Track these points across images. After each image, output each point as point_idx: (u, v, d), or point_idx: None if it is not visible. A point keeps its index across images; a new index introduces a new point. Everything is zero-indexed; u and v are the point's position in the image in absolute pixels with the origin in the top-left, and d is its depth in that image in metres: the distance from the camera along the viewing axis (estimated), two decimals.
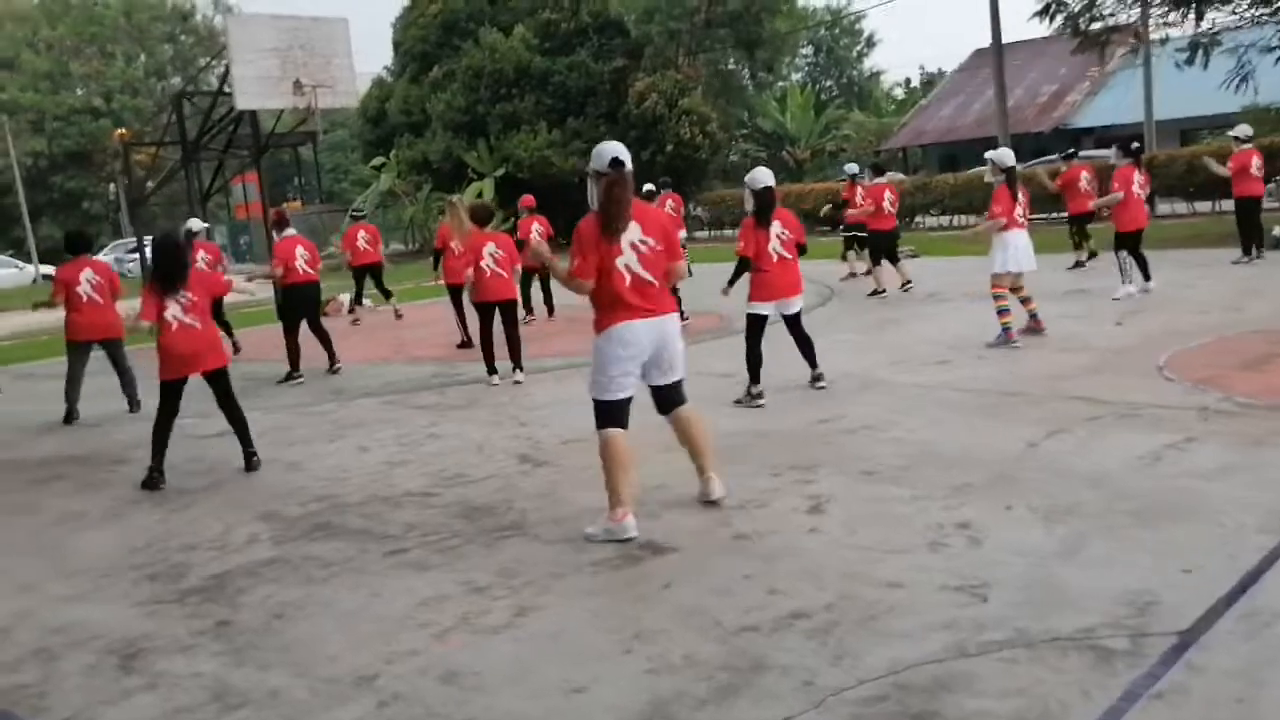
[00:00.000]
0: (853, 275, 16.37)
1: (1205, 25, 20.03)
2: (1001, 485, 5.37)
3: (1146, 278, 11.71)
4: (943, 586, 4.14)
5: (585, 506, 5.56)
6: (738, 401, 7.88)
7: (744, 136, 46.54)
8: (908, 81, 58.34)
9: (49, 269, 39.44)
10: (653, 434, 5.76)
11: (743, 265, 7.91)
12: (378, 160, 35.00)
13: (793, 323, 8.18)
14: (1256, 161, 13.67)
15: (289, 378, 10.75)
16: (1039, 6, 21.05)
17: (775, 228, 7.80)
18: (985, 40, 27.61)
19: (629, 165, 5.13)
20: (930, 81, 55.60)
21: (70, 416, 9.62)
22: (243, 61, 14.96)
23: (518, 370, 9.69)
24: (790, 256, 7.89)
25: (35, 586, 5.13)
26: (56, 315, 10.15)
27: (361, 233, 15.91)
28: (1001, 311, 9.28)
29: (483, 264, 9.48)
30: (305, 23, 15.58)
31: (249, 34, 15.13)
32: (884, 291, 13.89)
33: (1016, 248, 9.35)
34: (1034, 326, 9.56)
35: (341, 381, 10.64)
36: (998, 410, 7.03)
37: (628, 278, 5.07)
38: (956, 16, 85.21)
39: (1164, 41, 20.98)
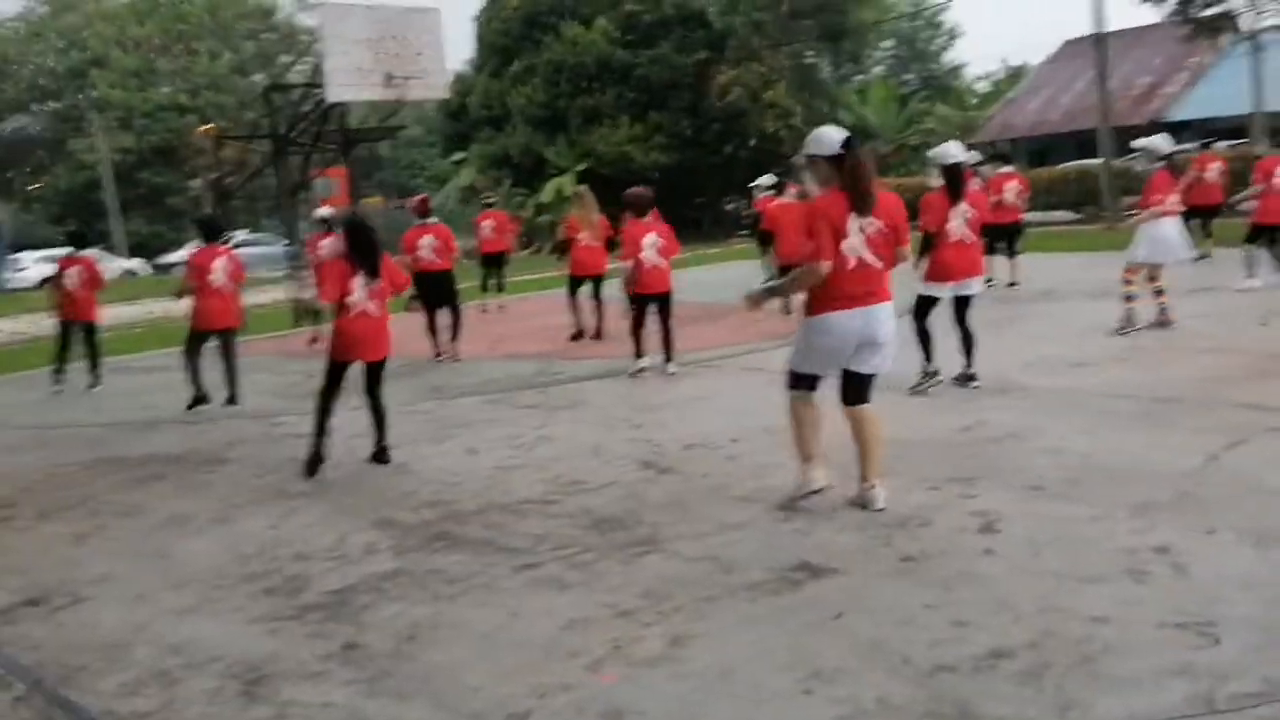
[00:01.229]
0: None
1: None
2: (1191, 504, 4.84)
3: None
4: (1160, 624, 3.63)
5: (721, 521, 5.18)
6: (915, 388, 7.64)
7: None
8: (990, 74, 56.89)
9: (132, 263, 40.13)
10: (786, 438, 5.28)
11: (927, 242, 7.65)
12: (458, 155, 35.00)
13: (962, 307, 7.83)
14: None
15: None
16: None
17: (962, 206, 7.57)
18: (1073, 31, 26.73)
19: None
20: (1016, 75, 54.22)
21: (202, 399, 9.51)
22: (335, 52, 14.80)
23: (670, 363, 9.44)
24: (974, 238, 7.72)
25: (149, 597, 4.84)
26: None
27: (488, 221, 15.87)
28: (1129, 298, 9.16)
29: (642, 255, 9.15)
30: (397, 13, 15.38)
31: (342, 24, 14.95)
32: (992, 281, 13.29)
33: (1168, 238, 8.96)
34: (1163, 320, 9.16)
35: (440, 378, 10.34)
36: (1157, 418, 6.46)
37: (852, 261, 5.00)
38: (1041, 8, 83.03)
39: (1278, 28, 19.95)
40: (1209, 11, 20.02)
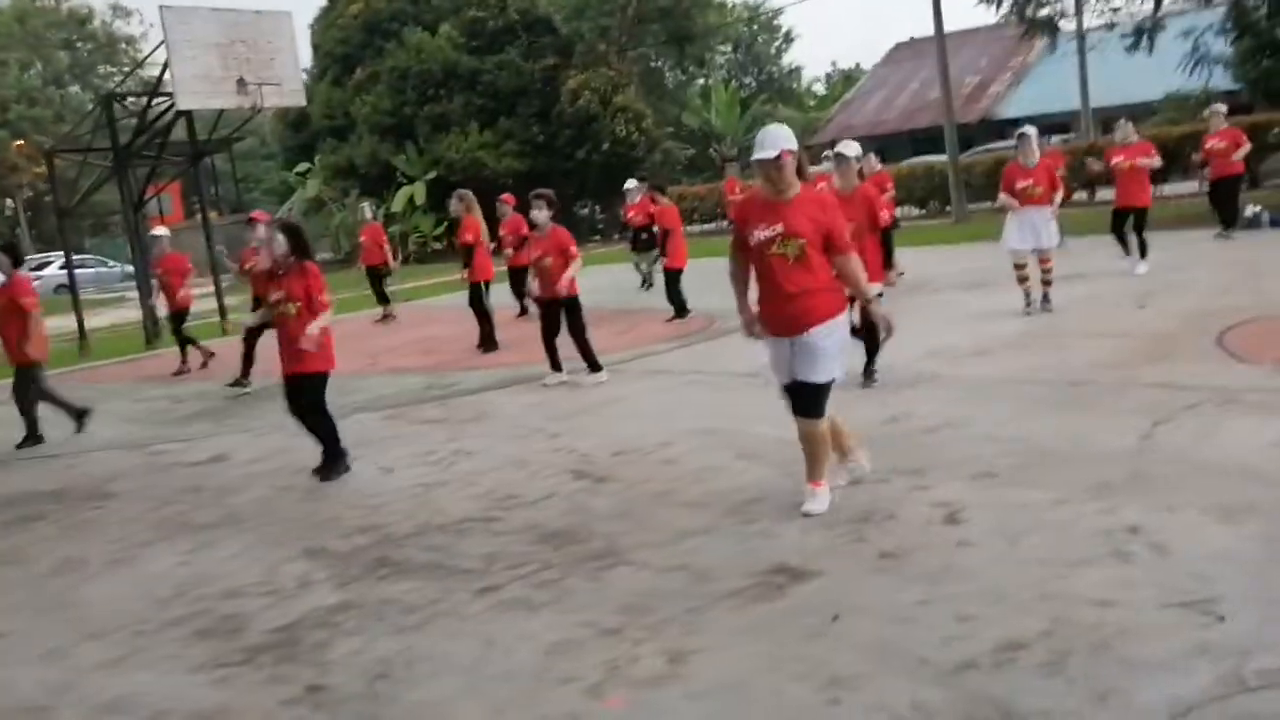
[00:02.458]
0: None
1: (1150, 9, 20.05)
2: (1145, 484, 4.90)
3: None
4: (1164, 604, 3.63)
5: (678, 528, 5.00)
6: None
7: (669, 135, 46.11)
8: (828, 77, 58.55)
9: None
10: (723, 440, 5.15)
11: None
12: (302, 166, 33.81)
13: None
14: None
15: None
16: None
17: None
18: (902, 34, 27.62)
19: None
20: (848, 77, 55.90)
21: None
22: (182, 58, 14.00)
23: (596, 371, 9.04)
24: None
25: (63, 652, 4.35)
26: None
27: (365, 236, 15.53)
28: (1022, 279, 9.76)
29: (547, 260, 8.79)
30: (247, 16, 14.67)
31: (187, 27, 14.14)
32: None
33: (1027, 227, 9.73)
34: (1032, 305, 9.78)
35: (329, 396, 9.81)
36: (1077, 402, 6.59)
37: None
38: (868, 12, 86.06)
39: (1111, 27, 21.01)
40: (1043, 11, 20.83)
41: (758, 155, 4.78)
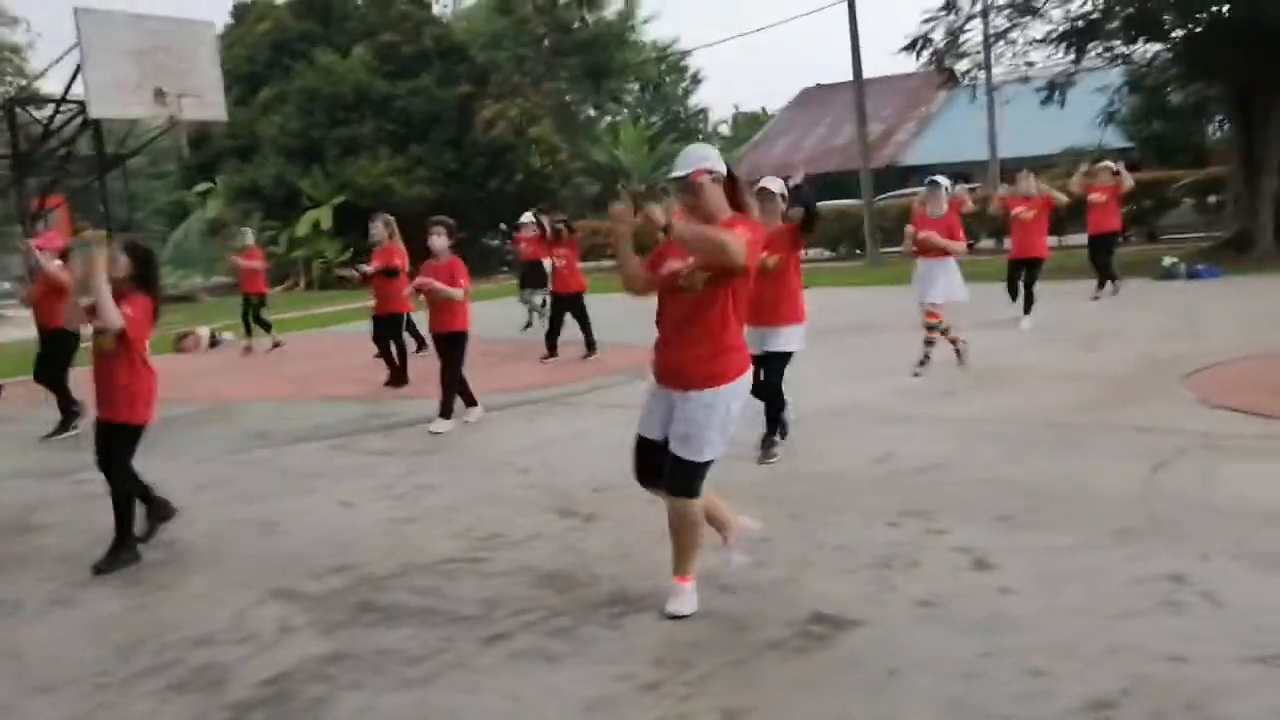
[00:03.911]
0: None
1: (1060, 65, 20.66)
2: (1167, 529, 4.79)
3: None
4: (1241, 659, 3.46)
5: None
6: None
7: (577, 170, 45.97)
8: (735, 119, 59.26)
9: None
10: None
11: None
12: (202, 186, 32.65)
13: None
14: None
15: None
16: (906, 42, 21.34)
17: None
18: (806, 80, 27.89)
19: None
20: (752, 120, 56.64)
21: None
22: (96, 64, 13.30)
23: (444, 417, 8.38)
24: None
25: (13, 709, 3.82)
26: None
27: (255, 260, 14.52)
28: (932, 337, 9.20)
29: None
30: (168, 24, 14.03)
31: (103, 32, 13.43)
32: None
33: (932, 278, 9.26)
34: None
35: (255, 423, 9.27)
36: (1062, 443, 6.51)
37: None
38: (772, 58, 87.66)
39: (1025, 80, 21.58)
40: (963, 63, 21.33)
41: (672, 175, 4.20)
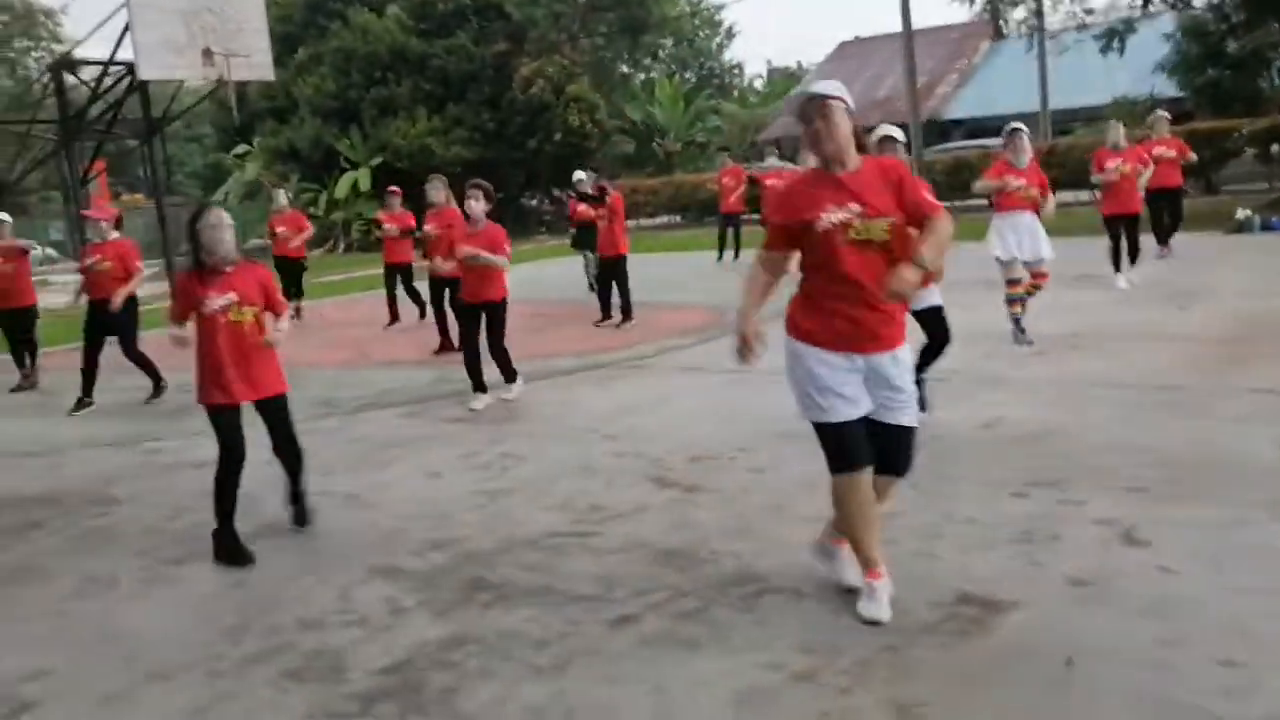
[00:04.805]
0: None
1: (1124, 13, 20.04)
2: None
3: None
4: None
5: (802, 539, 4.40)
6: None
7: (615, 128, 45.39)
8: (770, 73, 58.36)
9: None
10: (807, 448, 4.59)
11: None
12: (240, 149, 32.48)
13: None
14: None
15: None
16: None
17: None
18: (839, 34, 27.08)
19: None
20: (792, 75, 55.69)
21: None
22: (144, 24, 13.03)
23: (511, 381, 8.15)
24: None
25: (125, 697, 3.63)
26: None
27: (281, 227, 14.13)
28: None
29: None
30: None
31: None
32: None
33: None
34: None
35: (321, 390, 9.06)
36: (1178, 407, 6.19)
37: None
38: (805, 12, 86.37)
39: (1083, 28, 20.96)
40: (1018, 11, 20.73)
41: (810, 91, 3.76)
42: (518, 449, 6.52)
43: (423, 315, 13.03)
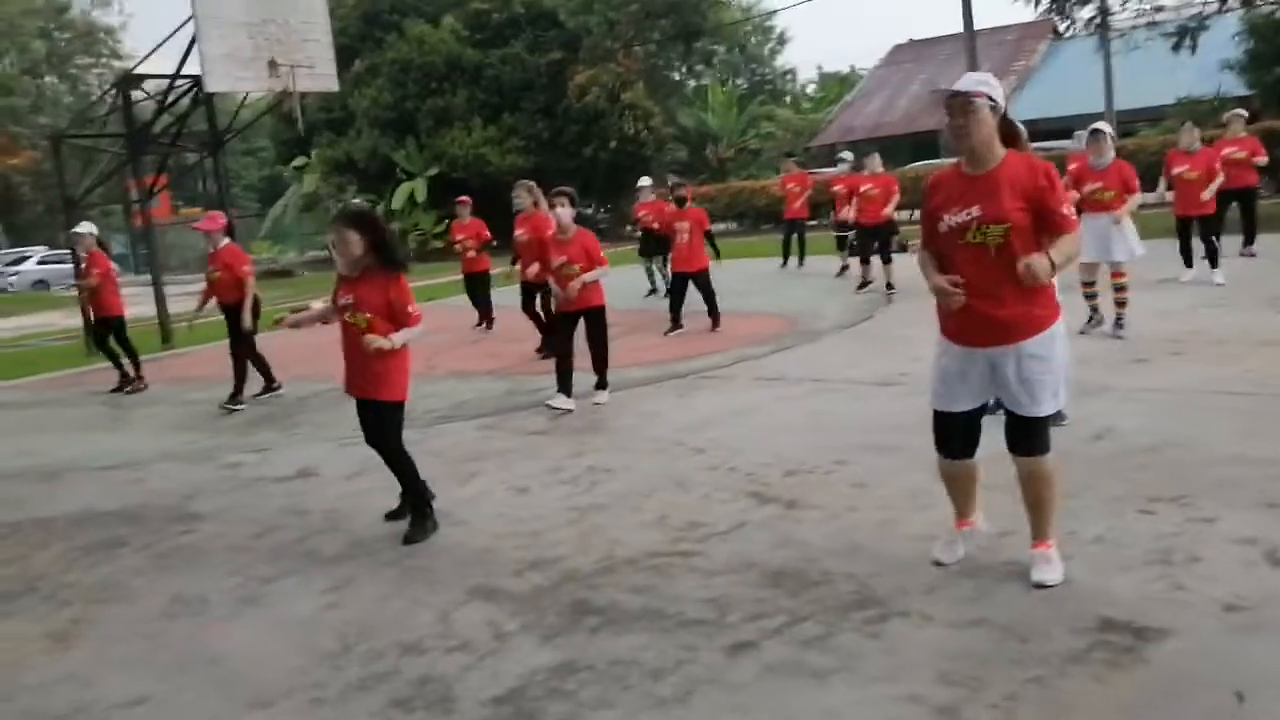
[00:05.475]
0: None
1: (1196, 10, 19.53)
2: None
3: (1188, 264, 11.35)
4: None
5: (931, 569, 4.19)
6: None
7: (670, 136, 45.23)
8: (822, 78, 57.93)
9: None
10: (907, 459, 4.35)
11: None
12: (299, 161, 32.77)
13: None
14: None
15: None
16: None
17: None
18: (896, 37, 26.75)
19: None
20: (842, 80, 55.18)
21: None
22: (211, 36, 13.08)
23: (603, 388, 8.20)
24: None
25: None
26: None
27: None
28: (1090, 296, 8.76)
29: (575, 267, 7.93)
30: None
31: (216, 4, 13.21)
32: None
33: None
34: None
35: None
36: None
37: None
38: (851, 17, 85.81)
39: (1153, 25, 20.46)
40: (1086, 10, 20.27)
41: (952, 89, 3.71)
42: (604, 462, 6.34)
43: (489, 325, 13.01)
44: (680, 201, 11.72)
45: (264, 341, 9.83)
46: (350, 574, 4.84)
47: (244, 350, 9.49)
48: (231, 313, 9.43)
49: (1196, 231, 11.22)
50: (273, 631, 4.28)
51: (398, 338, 5.16)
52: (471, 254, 12.95)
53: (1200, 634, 3.46)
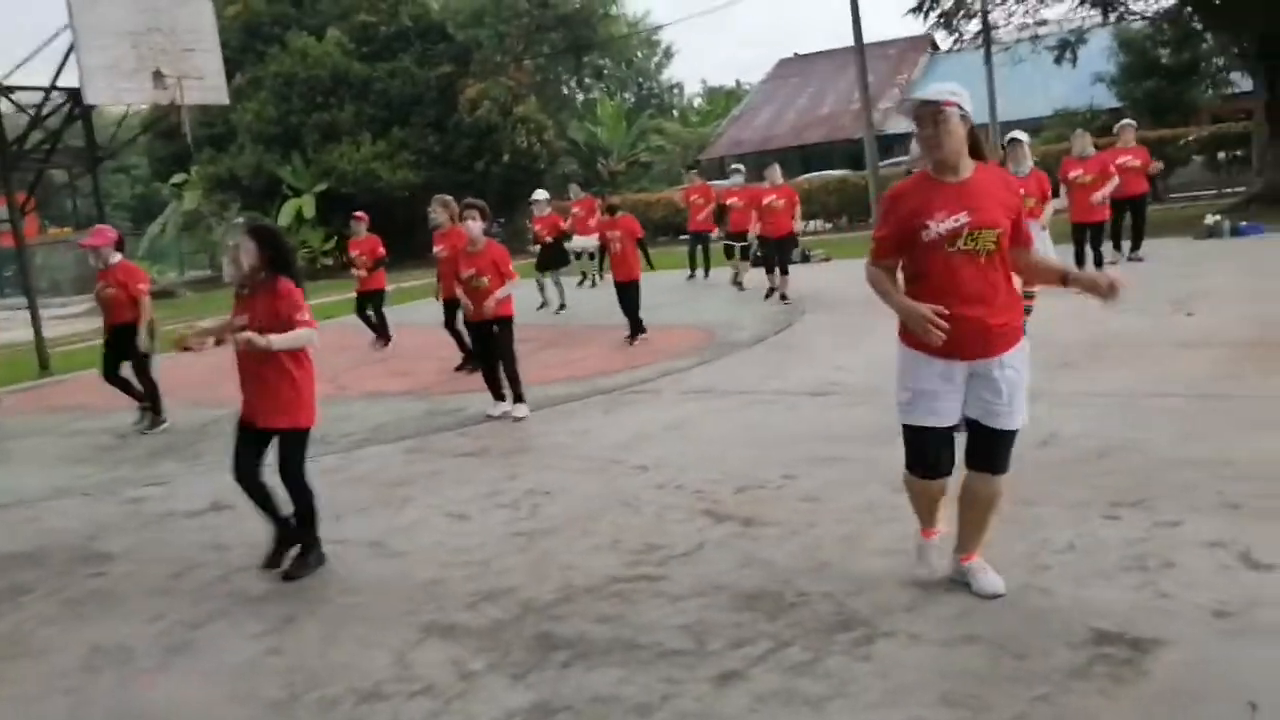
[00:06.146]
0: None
1: (1076, 24, 20.23)
2: None
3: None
4: None
5: (908, 586, 4.08)
6: None
7: (562, 149, 45.01)
8: (709, 92, 58.42)
9: None
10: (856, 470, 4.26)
11: None
12: (178, 177, 31.55)
13: None
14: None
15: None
16: (914, 4, 20.81)
17: None
18: (783, 52, 27.00)
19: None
20: (732, 94, 55.71)
21: None
22: (90, 46, 12.41)
23: (520, 402, 8.05)
24: None
25: None
26: None
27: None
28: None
29: (484, 280, 7.78)
30: (164, 2, 13.12)
31: (95, 12, 12.54)
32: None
33: None
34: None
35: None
36: (1238, 417, 5.94)
37: None
38: (738, 32, 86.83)
39: (1036, 39, 21.10)
40: (972, 24, 20.81)
41: (919, 97, 3.62)
42: (542, 483, 6.09)
43: (386, 343, 12.64)
44: (611, 210, 11.68)
45: (158, 366, 9.30)
46: (286, 614, 4.49)
47: (138, 375, 8.95)
48: (123, 334, 8.83)
49: (1089, 239, 11.59)
50: (209, 682, 3.92)
51: (277, 340, 4.75)
52: (363, 271, 12.55)
53: (1196, 643, 3.40)
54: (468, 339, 9.98)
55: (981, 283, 3.61)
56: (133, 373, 8.94)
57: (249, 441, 4.95)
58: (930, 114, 3.56)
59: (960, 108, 3.57)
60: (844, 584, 4.16)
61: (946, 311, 3.54)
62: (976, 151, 3.70)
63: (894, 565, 4.28)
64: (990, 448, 3.82)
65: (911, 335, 3.72)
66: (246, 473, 4.92)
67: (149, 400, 9.00)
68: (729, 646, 3.72)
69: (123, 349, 8.85)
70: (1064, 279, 3.96)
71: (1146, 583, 3.88)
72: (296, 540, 4.99)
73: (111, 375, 9.06)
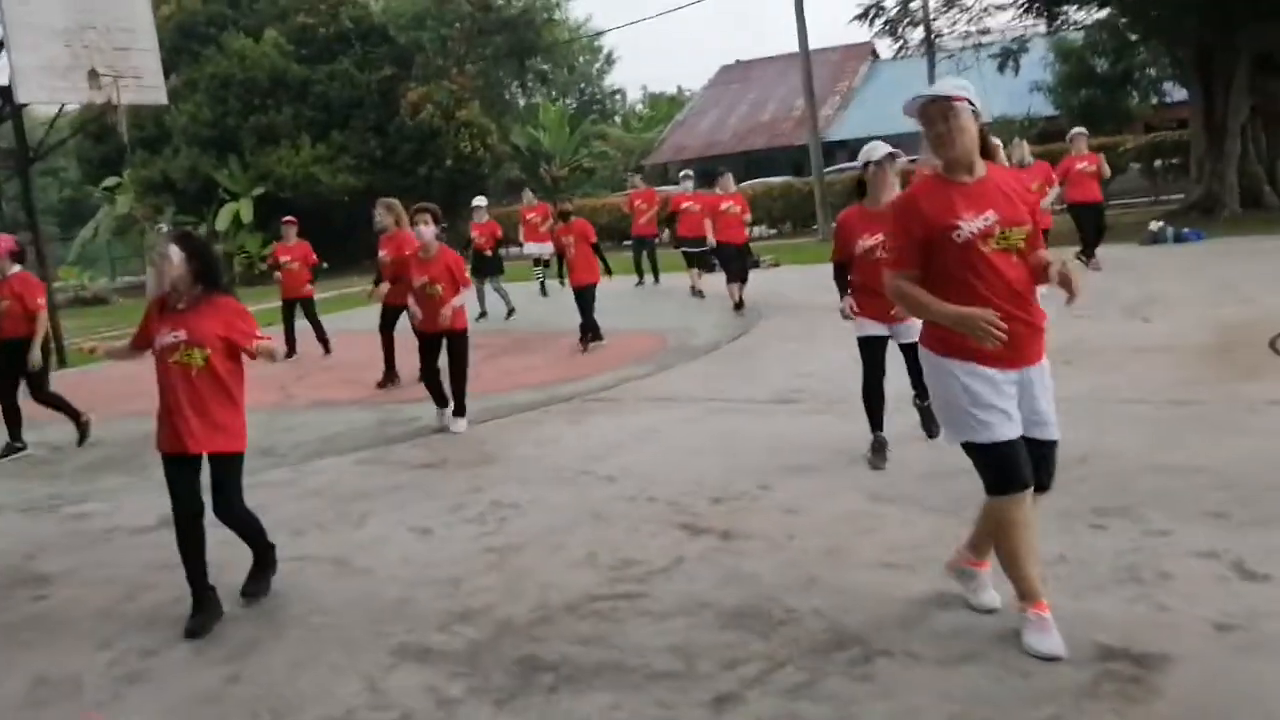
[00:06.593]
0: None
1: (1019, 33, 20.48)
2: None
3: None
4: None
5: (900, 601, 3.97)
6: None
7: (506, 154, 44.64)
8: (651, 99, 58.41)
9: None
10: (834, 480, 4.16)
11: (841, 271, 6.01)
12: (110, 181, 30.71)
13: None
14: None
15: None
16: (859, 10, 20.94)
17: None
18: (725, 58, 27.06)
19: None
20: (674, 99, 55.76)
21: None
22: (22, 45, 11.94)
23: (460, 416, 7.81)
24: None
25: None
26: None
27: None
28: None
29: (437, 287, 7.55)
30: (99, 0, 12.69)
31: (29, 10, 12.08)
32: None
33: None
34: None
35: (256, 437, 8.21)
36: (1207, 423, 5.94)
37: None
38: (679, 36, 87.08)
39: (979, 47, 21.32)
40: (916, 32, 20.98)
41: (929, 93, 3.45)
42: (507, 496, 5.90)
43: (328, 351, 12.35)
44: (564, 216, 11.53)
45: (81, 377, 8.90)
46: (248, 638, 4.26)
47: (36, 393, 8.45)
48: (16, 349, 8.16)
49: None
50: (167, 715, 3.68)
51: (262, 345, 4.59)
52: (306, 274, 12.27)
53: (1204, 659, 3.32)
54: (394, 353, 9.73)
55: (1021, 283, 3.43)
56: (29, 391, 8.40)
57: (186, 472, 4.48)
58: (940, 110, 3.38)
59: (970, 102, 3.43)
60: (833, 599, 4.03)
61: (997, 307, 3.33)
62: (985, 150, 3.56)
63: (881, 579, 4.18)
64: (1040, 462, 3.53)
65: (954, 344, 3.42)
66: (196, 511, 4.45)
67: (66, 412, 8.53)
68: (721, 668, 3.57)
69: (15, 366, 8.26)
70: (1045, 269, 3.59)
71: (1143, 595, 3.80)
72: (266, 560, 4.74)
73: (10, 400, 8.42)
